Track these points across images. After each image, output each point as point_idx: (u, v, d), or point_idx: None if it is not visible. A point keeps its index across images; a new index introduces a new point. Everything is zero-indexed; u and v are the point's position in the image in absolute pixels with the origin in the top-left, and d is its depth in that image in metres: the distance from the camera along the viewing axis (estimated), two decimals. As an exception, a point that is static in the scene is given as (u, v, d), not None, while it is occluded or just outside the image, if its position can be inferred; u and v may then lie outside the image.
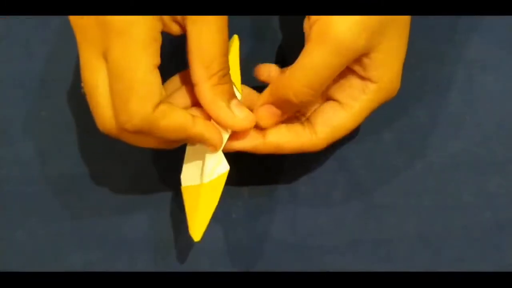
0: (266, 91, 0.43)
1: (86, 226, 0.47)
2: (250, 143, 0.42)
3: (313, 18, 0.40)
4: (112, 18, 0.38)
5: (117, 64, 0.38)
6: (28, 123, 0.48)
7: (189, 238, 0.47)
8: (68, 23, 0.47)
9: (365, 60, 0.41)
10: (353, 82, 0.42)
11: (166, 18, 0.40)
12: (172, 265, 0.47)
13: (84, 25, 0.39)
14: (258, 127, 0.43)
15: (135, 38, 0.38)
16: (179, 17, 0.40)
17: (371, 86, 0.41)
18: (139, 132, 0.39)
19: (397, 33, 0.41)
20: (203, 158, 0.43)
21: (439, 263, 0.47)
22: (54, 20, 0.48)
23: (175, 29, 0.40)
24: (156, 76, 0.39)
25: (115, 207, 0.48)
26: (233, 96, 0.41)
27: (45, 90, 0.48)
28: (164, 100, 0.40)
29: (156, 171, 0.48)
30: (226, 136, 0.42)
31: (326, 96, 0.43)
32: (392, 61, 0.41)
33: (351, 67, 0.41)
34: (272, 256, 0.47)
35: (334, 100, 0.43)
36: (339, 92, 0.42)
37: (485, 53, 0.49)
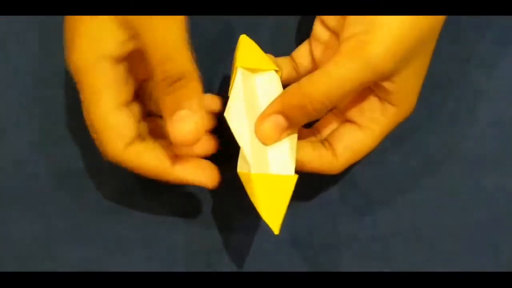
0: (277, 99, 0.42)
1: (81, 223, 0.47)
2: None
3: (348, 33, 0.39)
4: (77, 59, 0.39)
5: (84, 106, 0.40)
6: (23, 120, 0.48)
7: (186, 236, 0.47)
8: (62, 19, 0.47)
9: (388, 84, 0.40)
10: (374, 105, 0.42)
11: (129, 47, 0.39)
12: (168, 264, 0.47)
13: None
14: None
15: (90, 84, 0.39)
16: (134, 28, 0.39)
17: (391, 109, 0.41)
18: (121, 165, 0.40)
19: (421, 60, 0.41)
20: (271, 147, 0.42)
21: (435, 260, 0.47)
22: (49, 17, 0.48)
23: (131, 45, 0.40)
24: (122, 116, 0.40)
25: (110, 205, 0.47)
26: (183, 104, 0.39)
27: (40, 86, 0.48)
28: (141, 136, 0.41)
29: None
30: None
31: (344, 118, 0.43)
32: (413, 85, 0.41)
33: (372, 88, 0.41)
34: (268, 254, 0.47)
35: (353, 122, 0.43)
36: (359, 114, 0.42)
37: (481, 50, 0.49)
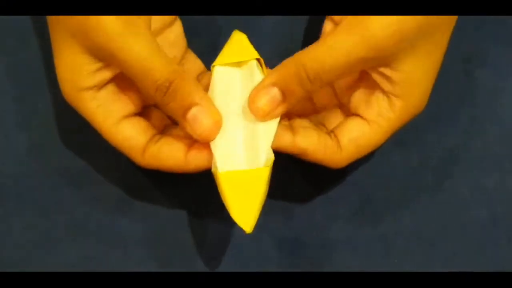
0: (272, 71, 0.40)
1: (81, 221, 0.47)
2: (279, 142, 0.41)
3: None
4: (63, 91, 0.41)
5: (94, 125, 0.42)
6: (24, 117, 0.48)
7: (186, 235, 0.47)
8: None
9: (391, 72, 0.40)
10: (381, 100, 0.41)
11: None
12: (168, 264, 0.47)
13: None
14: (288, 128, 0.41)
15: (84, 112, 0.41)
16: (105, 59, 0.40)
17: (398, 104, 0.40)
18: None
19: (428, 50, 0.40)
20: (243, 141, 0.41)
21: (435, 259, 0.47)
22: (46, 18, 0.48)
23: (108, 73, 0.41)
24: (126, 128, 0.41)
25: (110, 203, 0.47)
26: (189, 103, 0.39)
27: (42, 84, 0.48)
28: (156, 138, 0.41)
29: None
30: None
31: (350, 111, 0.43)
32: (420, 79, 0.40)
33: (377, 82, 0.41)
34: (268, 253, 0.47)
35: (360, 116, 0.42)
36: (366, 109, 0.41)
37: (482, 49, 0.49)
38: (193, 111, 0.39)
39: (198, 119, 0.40)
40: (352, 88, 0.43)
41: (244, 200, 0.39)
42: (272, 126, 0.40)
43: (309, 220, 0.47)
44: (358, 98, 0.42)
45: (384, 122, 0.41)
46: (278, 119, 0.40)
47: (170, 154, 0.41)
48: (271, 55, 0.44)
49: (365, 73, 0.42)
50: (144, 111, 0.44)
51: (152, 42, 0.39)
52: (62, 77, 0.41)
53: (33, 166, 0.48)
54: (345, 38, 0.38)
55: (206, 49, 0.47)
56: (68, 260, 0.47)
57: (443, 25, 0.40)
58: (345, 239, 0.47)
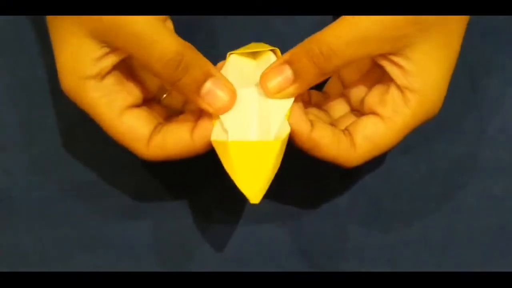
0: (291, 50, 0.40)
1: (91, 230, 0.47)
2: (297, 129, 0.40)
3: None
4: (63, 83, 0.40)
5: (96, 121, 0.41)
6: (34, 129, 0.48)
7: (194, 241, 0.47)
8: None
9: (404, 62, 0.39)
10: (396, 96, 0.40)
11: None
12: (176, 268, 0.47)
13: None
14: (307, 119, 0.40)
15: (86, 104, 0.40)
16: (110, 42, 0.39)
17: (413, 98, 0.40)
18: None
19: (442, 43, 0.39)
20: (255, 114, 0.40)
21: (444, 268, 0.47)
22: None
23: (114, 58, 0.40)
24: (129, 119, 0.40)
25: (120, 212, 0.48)
26: (202, 77, 0.39)
27: (51, 96, 0.48)
28: (159, 126, 0.41)
29: (161, 176, 0.48)
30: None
31: (366, 109, 0.42)
32: (435, 72, 0.40)
33: (390, 73, 0.40)
34: (275, 260, 0.47)
35: (375, 114, 0.41)
36: (380, 106, 0.41)
37: (489, 57, 0.49)
38: (207, 85, 0.39)
39: (214, 92, 0.39)
40: (366, 85, 0.43)
41: (253, 171, 0.38)
42: (286, 102, 0.40)
43: (317, 229, 0.47)
44: (372, 97, 0.41)
45: (399, 119, 0.40)
46: (292, 98, 0.40)
47: (176, 138, 0.40)
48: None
49: (379, 70, 0.41)
50: (144, 104, 0.43)
51: (159, 20, 0.39)
52: (64, 67, 0.40)
53: (42, 178, 0.48)
54: (362, 17, 0.38)
55: (204, 49, 0.47)
56: (78, 270, 0.47)
57: (455, 20, 0.40)
58: (353, 248, 0.47)
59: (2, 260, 0.47)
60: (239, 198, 0.44)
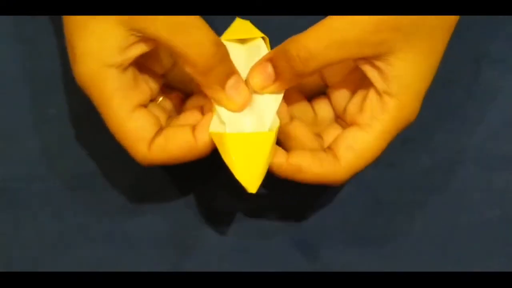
0: (274, 49, 0.41)
1: (93, 223, 0.48)
2: (272, 163, 0.41)
3: None
4: (81, 72, 0.39)
5: (102, 115, 0.40)
6: (36, 121, 0.48)
7: (195, 236, 0.47)
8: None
9: (383, 65, 0.39)
10: (374, 102, 0.40)
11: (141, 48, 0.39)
12: (176, 264, 0.47)
13: None
14: (280, 149, 0.41)
15: (98, 95, 0.39)
16: (138, 33, 0.39)
17: (391, 103, 0.40)
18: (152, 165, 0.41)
19: (423, 51, 0.39)
20: (249, 108, 0.41)
21: (446, 260, 0.47)
22: (61, 18, 0.48)
23: (142, 48, 0.40)
24: (137, 119, 0.40)
25: (122, 205, 0.48)
26: (228, 77, 0.40)
27: (53, 88, 0.48)
28: (162, 127, 0.41)
29: (163, 170, 0.48)
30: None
31: (347, 122, 0.42)
32: (414, 78, 0.40)
33: (370, 76, 0.40)
34: (277, 253, 0.47)
35: (356, 124, 0.41)
36: (359, 114, 0.41)
37: (492, 48, 0.49)
38: (232, 80, 0.40)
39: (237, 88, 0.40)
40: (348, 89, 0.43)
41: (250, 161, 0.40)
42: (277, 96, 0.41)
43: (319, 222, 0.48)
44: (353, 105, 0.42)
45: (377, 124, 0.40)
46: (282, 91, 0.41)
47: (179, 138, 0.40)
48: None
49: (361, 72, 0.41)
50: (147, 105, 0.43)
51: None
52: (86, 52, 0.39)
53: (45, 170, 0.48)
54: (343, 20, 0.38)
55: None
56: (79, 262, 0.47)
57: (439, 28, 0.40)
58: (356, 241, 0.47)
59: (2, 252, 0.47)
60: (239, 194, 0.45)
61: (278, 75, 0.40)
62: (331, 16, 0.39)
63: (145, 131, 0.40)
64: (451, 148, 0.48)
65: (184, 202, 0.48)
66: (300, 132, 0.42)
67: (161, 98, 0.44)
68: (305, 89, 0.45)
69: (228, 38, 0.42)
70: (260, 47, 0.42)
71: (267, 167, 0.40)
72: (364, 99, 0.41)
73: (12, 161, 0.48)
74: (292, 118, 0.42)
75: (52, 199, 0.48)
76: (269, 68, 0.40)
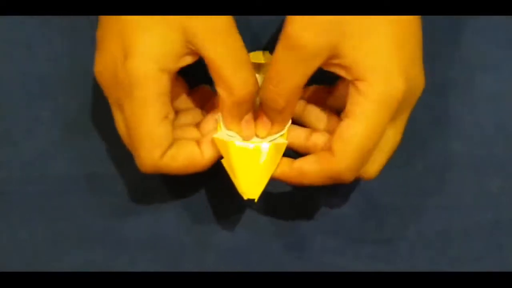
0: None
1: (87, 226, 0.47)
2: (278, 169, 0.42)
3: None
4: (134, 69, 0.39)
5: (128, 117, 0.40)
6: (30, 123, 0.48)
7: (190, 238, 0.47)
8: (70, 23, 0.47)
9: (339, 60, 0.40)
10: (352, 90, 0.40)
11: (177, 57, 0.40)
12: (172, 265, 0.47)
13: (104, 77, 0.41)
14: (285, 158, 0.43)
15: (142, 96, 0.39)
16: (192, 46, 0.40)
17: (364, 86, 0.40)
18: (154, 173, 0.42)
19: (382, 32, 0.39)
20: None
21: (440, 264, 0.47)
22: (56, 20, 0.48)
23: (188, 60, 0.41)
24: (164, 127, 0.41)
25: (116, 207, 0.48)
26: (247, 112, 0.42)
27: (47, 90, 0.48)
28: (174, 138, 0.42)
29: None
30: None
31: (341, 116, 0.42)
32: (377, 56, 0.39)
33: (338, 73, 0.40)
34: (272, 256, 0.47)
35: (345, 117, 0.41)
36: (343, 107, 0.41)
37: (485, 53, 0.49)
38: (250, 114, 0.43)
39: (251, 123, 0.43)
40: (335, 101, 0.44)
41: (249, 174, 0.42)
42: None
43: (314, 224, 0.48)
44: (339, 103, 0.43)
45: (357, 108, 0.40)
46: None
47: (187, 151, 0.42)
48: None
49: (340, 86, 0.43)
50: None
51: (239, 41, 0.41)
52: (148, 51, 0.39)
53: (39, 172, 0.48)
54: (285, 58, 0.40)
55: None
56: (75, 264, 0.47)
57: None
58: (350, 244, 0.47)
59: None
60: (237, 197, 0.45)
61: (272, 120, 0.42)
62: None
63: (166, 140, 0.41)
64: (445, 153, 0.48)
65: (181, 203, 0.48)
66: (302, 161, 0.42)
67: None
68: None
69: None
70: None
71: (266, 181, 0.42)
72: (344, 94, 0.42)
73: (7, 164, 0.48)
74: (292, 162, 0.43)
75: (47, 202, 0.47)
76: (264, 118, 0.43)
